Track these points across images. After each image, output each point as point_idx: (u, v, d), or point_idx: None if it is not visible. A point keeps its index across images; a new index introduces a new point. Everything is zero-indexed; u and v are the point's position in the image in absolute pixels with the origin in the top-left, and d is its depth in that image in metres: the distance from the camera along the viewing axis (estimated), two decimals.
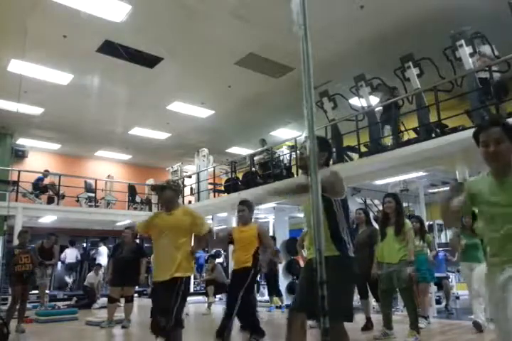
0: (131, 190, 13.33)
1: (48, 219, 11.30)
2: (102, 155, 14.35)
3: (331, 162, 3.04)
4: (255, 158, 10.40)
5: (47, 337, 6.11)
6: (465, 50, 6.16)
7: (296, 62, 1.59)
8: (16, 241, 7.35)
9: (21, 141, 12.59)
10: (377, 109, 7.63)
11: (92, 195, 12.07)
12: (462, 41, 6.15)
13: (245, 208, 4.68)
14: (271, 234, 10.59)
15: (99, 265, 9.88)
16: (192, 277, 3.20)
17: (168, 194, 3.44)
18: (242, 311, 4.35)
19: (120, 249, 6.40)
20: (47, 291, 8.92)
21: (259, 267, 4.61)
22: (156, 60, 8.07)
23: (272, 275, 8.16)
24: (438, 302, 7.35)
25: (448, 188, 2.05)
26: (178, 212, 3.43)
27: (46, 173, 11.74)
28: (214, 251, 11.96)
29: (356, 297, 7.26)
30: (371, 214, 7.07)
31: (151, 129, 11.87)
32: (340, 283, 2.25)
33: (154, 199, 13.48)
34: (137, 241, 8.14)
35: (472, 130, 6.28)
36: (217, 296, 9.35)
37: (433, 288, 6.71)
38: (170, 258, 3.28)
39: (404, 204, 7.56)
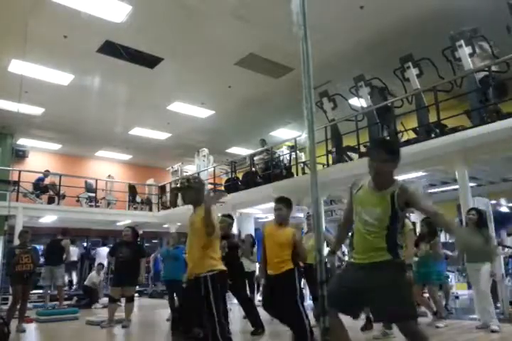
0: (132, 190, 13.35)
1: (48, 219, 11.32)
2: (102, 155, 14.38)
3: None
4: (255, 158, 10.42)
5: (47, 336, 6.13)
6: (464, 51, 6.18)
7: (296, 63, 1.61)
8: (16, 241, 7.37)
9: (22, 141, 12.61)
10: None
11: (93, 194, 12.10)
12: (462, 41, 6.17)
13: (282, 207, 4.13)
14: None
15: (102, 265, 9.89)
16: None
17: (187, 194, 3.24)
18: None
19: (120, 249, 6.40)
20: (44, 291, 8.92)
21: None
22: (157, 60, 8.09)
23: None
24: None
25: None
26: (199, 210, 3.19)
27: (47, 173, 11.76)
28: None
29: None
30: None
31: (152, 129, 11.90)
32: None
33: (154, 199, 13.52)
34: (138, 241, 8.13)
35: (472, 130, 6.26)
36: None
37: None
38: (192, 257, 3.15)
39: None
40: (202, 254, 3.08)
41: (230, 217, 5.59)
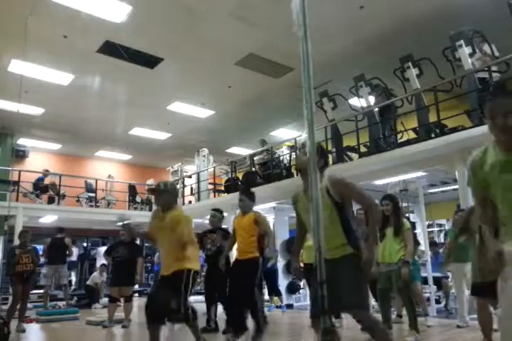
0: (132, 190, 13.35)
1: (48, 219, 11.31)
2: (102, 155, 14.38)
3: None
4: (255, 158, 10.42)
5: (47, 336, 6.13)
6: (464, 50, 6.18)
7: (296, 63, 1.61)
8: (16, 241, 7.38)
9: (22, 141, 12.62)
10: (375, 110, 7.66)
11: (93, 194, 12.09)
12: (462, 41, 6.17)
13: (245, 199, 4.60)
14: None
15: (104, 265, 9.90)
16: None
17: (162, 197, 3.48)
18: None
19: (117, 249, 6.40)
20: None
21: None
22: (156, 60, 8.10)
23: (270, 274, 8.17)
24: (437, 301, 7.37)
25: None
26: (171, 214, 3.46)
27: (46, 173, 11.77)
28: None
29: None
30: None
31: (152, 129, 11.90)
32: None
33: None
34: (137, 241, 8.12)
35: (471, 130, 6.27)
36: None
37: (432, 287, 6.73)
38: (169, 256, 3.38)
39: (404, 204, 7.58)
40: (182, 254, 3.33)
41: (219, 211, 5.67)
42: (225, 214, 5.93)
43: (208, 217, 5.87)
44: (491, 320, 3.74)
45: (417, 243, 5.89)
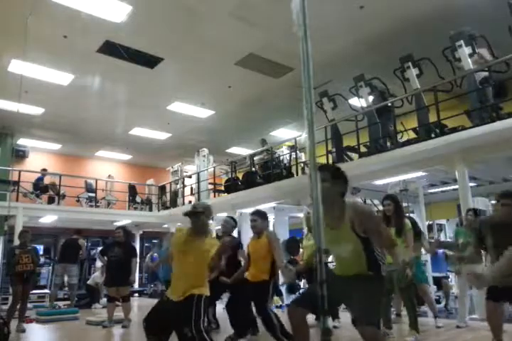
0: (132, 190, 13.35)
1: (48, 219, 11.31)
2: (102, 155, 14.38)
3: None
4: (255, 158, 10.41)
5: (47, 336, 6.13)
6: (464, 51, 6.18)
7: (296, 63, 1.61)
8: (16, 241, 7.38)
9: (22, 141, 12.61)
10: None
11: (93, 195, 12.09)
12: (461, 41, 6.18)
13: (257, 218, 4.45)
14: None
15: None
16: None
17: (200, 219, 3.27)
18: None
19: (112, 249, 6.42)
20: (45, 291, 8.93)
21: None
22: (157, 60, 8.09)
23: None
24: (437, 301, 7.37)
25: None
26: (207, 241, 3.28)
27: (44, 172, 11.77)
28: None
29: None
30: None
31: (152, 129, 11.90)
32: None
33: (154, 199, 13.52)
34: (132, 241, 8.12)
35: (471, 130, 6.22)
36: None
37: (432, 287, 6.73)
38: (185, 279, 3.22)
39: (404, 204, 7.57)
40: (199, 279, 3.21)
41: (233, 219, 5.66)
42: (224, 214, 5.94)
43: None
44: (501, 322, 3.72)
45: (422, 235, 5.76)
